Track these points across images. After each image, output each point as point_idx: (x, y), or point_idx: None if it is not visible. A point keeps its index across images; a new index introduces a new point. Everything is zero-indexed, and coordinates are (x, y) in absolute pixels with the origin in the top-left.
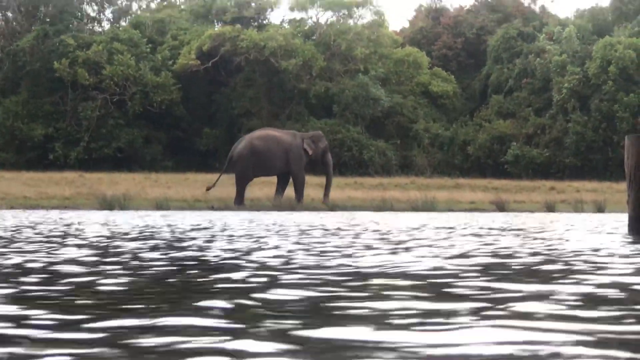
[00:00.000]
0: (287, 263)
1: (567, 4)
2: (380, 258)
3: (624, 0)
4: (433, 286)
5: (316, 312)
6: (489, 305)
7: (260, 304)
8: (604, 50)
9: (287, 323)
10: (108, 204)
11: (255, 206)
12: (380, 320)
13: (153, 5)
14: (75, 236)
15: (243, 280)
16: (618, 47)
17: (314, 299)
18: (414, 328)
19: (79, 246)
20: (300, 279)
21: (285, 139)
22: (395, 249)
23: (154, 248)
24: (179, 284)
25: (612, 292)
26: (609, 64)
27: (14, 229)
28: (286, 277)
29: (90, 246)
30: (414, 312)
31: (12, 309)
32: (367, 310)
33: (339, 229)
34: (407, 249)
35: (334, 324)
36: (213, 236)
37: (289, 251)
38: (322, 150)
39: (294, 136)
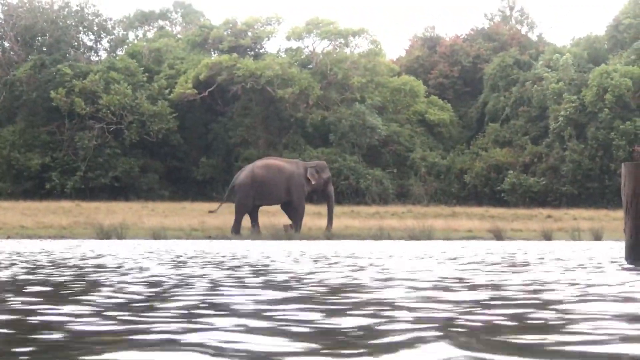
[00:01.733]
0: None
1: (563, 32)
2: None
3: (619, 28)
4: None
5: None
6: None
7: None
8: (600, 78)
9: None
10: (105, 234)
11: (252, 235)
12: None
13: (150, 35)
14: None
15: None
16: (614, 75)
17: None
18: None
19: None
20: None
21: (288, 168)
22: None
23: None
24: None
25: None
26: (605, 91)
27: None
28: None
29: None
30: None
31: None
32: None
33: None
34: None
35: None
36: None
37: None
38: (324, 180)
39: (297, 165)
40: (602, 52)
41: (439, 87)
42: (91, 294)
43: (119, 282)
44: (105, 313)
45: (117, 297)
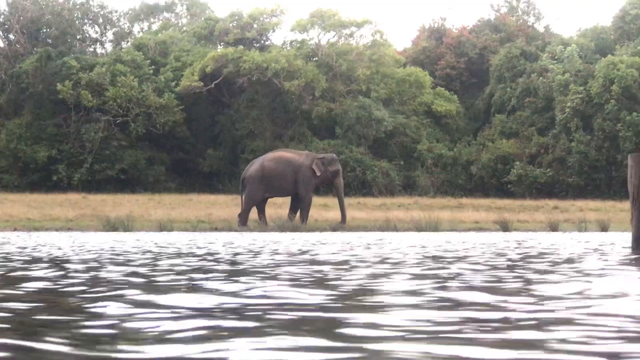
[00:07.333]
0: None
1: (569, 23)
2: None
3: (626, 19)
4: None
5: None
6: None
7: None
8: (606, 69)
9: None
10: (112, 226)
11: (258, 227)
12: None
13: (155, 27)
14: None
15: None
16: (620, 66)
17: None
18: None
19: None
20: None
21: (296, 160)
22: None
23: None
24: None
25: None
26: (612, 83)
27: None
28: None
29: None
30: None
31: None
32: None
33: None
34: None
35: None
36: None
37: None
38: (331, 172)
39: (307, 157)
40: (608, 43)
41: (445, 79)
42: None
43: None
44: None
45: None
